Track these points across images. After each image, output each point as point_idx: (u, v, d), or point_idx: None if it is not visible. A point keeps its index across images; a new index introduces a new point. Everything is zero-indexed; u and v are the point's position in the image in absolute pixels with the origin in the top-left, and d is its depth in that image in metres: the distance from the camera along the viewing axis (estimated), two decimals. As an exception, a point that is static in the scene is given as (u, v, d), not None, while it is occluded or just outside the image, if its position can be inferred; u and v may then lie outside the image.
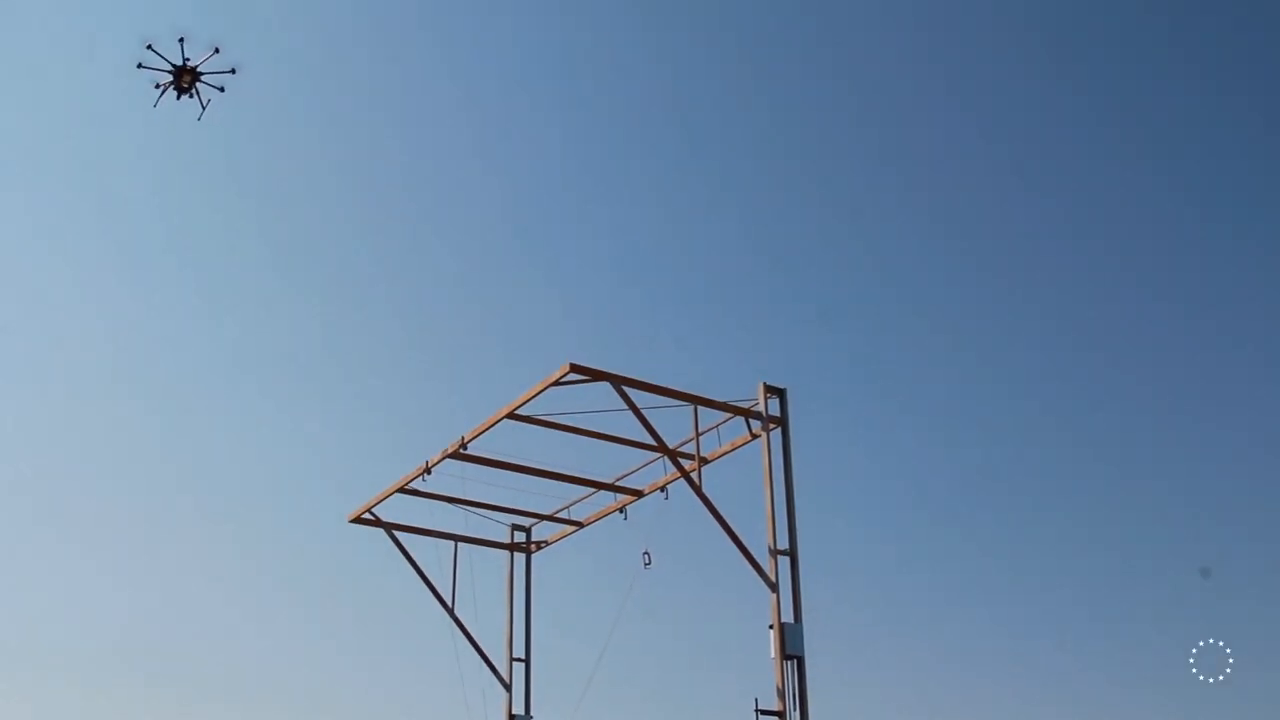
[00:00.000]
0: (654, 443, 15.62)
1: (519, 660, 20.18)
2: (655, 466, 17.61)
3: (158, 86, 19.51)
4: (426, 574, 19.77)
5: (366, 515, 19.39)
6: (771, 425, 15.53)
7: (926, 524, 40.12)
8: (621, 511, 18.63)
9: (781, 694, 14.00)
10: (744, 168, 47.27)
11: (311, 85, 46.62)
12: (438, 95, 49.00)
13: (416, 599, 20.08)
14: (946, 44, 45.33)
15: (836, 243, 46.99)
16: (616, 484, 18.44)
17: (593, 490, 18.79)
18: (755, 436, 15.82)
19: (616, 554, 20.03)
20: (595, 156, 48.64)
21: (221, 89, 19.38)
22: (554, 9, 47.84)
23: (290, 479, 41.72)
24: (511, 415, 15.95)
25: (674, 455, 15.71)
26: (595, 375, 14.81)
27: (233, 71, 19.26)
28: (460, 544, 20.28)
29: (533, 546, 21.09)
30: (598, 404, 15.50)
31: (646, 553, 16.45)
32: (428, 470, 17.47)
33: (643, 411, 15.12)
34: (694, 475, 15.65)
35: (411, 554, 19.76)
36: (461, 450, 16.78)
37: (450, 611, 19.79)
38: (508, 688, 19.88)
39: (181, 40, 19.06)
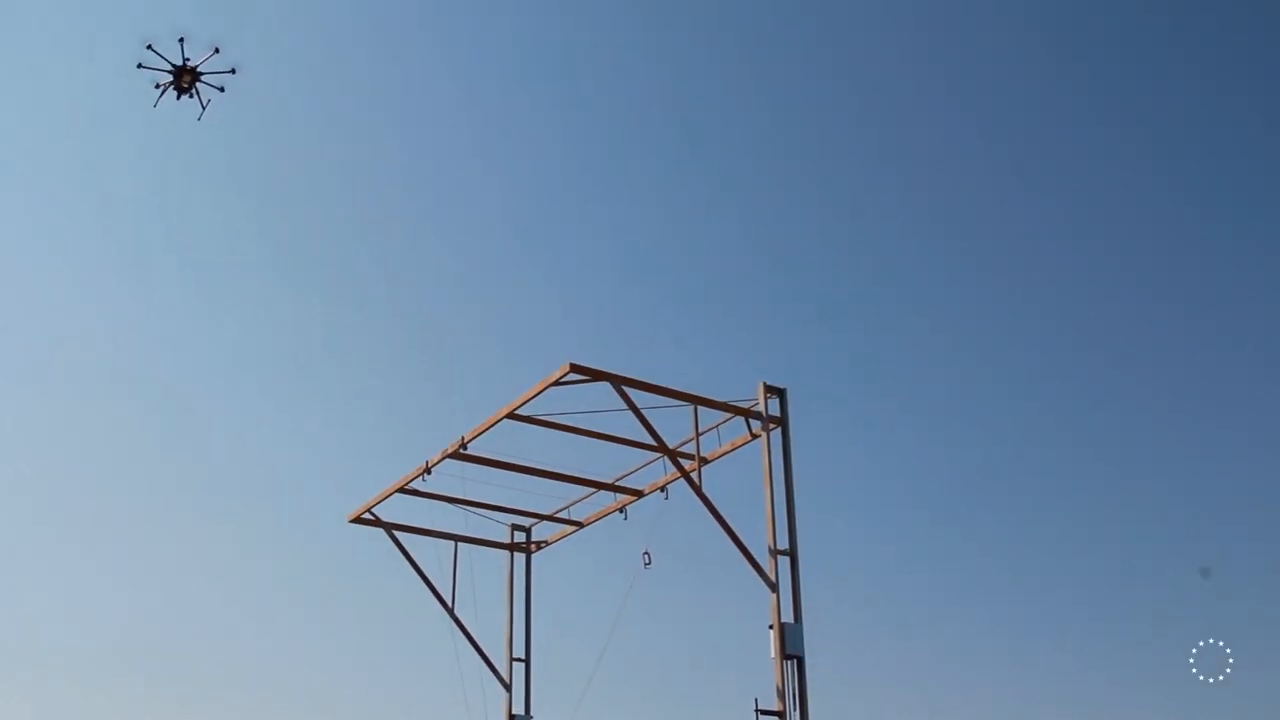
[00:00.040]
0: (654, 443, 15.62)
1: (519, 660, 20.18)
2: (655, 466, 17.62)
3: (158, 86, 19.51)
4: (426, 574, 19.79)
5: (366, 515, 19.39)
6: (771, 425, 15.53)
7: (926, 524, 40.16)
8: (621, 511, 18.63)
9: (781, 694, 14.00)
10: (744, 168, 47.32)
11: (311, 85, 46.67)
12: (438, 95, 49.05)
13: (416, 599, 20.12)
14: (946, 44, 45.36)
15: (836, 243, 47.03)
16: (616, 484, 18.44)
17: (593, 490, 18.80)
18: (755, 436, 15.82)
19: (616, 554, 20.06)
20: (595, 156, 48.68)
21: (221, 89, 19.39)
22: (554, 9, 47.88)
23: (290, 479, 41.77)
24: (511, 415, 15.95)
25: (674, 455, 15.71)
26: (595, 375, 14.81)
27: (233, 72, 19.27)
28: (460, 544, 20.28)
29: (533, 546, 21.09)
30: (598, 404, 15.53)
31: (646, 553, 16.47)
32: (428, 470, 17.47)
33: (643, 411, 15.13)
34: (694, 475, 15.65)
35: (411, 554, 19.78)
36: (461, 450, 16.78)
37: (450, 612, 19.79)
38: (508, 688, 19.89)
39: (182, 40, 19.06)
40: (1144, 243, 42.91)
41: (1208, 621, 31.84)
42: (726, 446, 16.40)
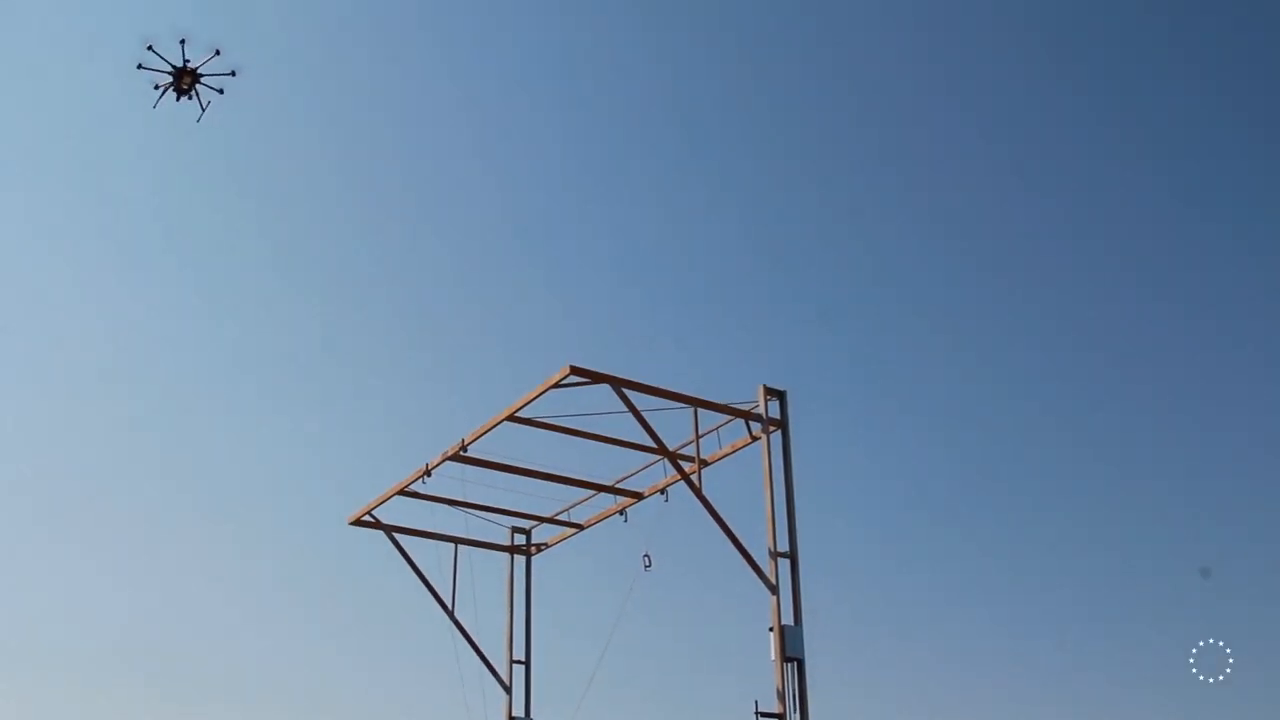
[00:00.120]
0: (654, 445, 15.62)
1: (519, 662, 20.17)
2: (655, 469, 17.62)
3: (157, 88, 19.50)
4: (426, 576, 19.78)
5: (366, 518, 19.39)
6: (771, 428, 15.53)
7: (926, 524, 40.15)
8: (622, 514, 18.62)
9: (781, 696, 14.00)
10: (744, 168, 47.31)
11: (311, 85, 46.66)
12: (438, 95, 49.03)
13: (417, 601, 20.10)
14: (946, 44, 45.35)
15: (836, 243, 47.03)
16: (616, 486, 18.44)
17: (593, 492, 18.79)
18: (755, 439, 15.82)
19: (616, 556, 20.06)
20: (595, 156, 48.67)
21: (221, 91, 19.37)
22: (554, 9, 47.87)
23: (290, 479, 41.77)
24: (512, 417, 15.94)
25: (674, 457, 15.71)
26: (595, 377, 14.81)
27: (232, 74, 19.25)
28: (460, 546, 20.27)
29: (533, 549, 21.08)
30: (598, 406, 15.53)
31: (646, 555, 16.45)
32: (428, 473, 17.47)
33: (643, 414, 15.12)
34: (694, 477, 15.64)
35: (411, 556, 19.77)
36: (461, 452, 16.78)
37: (450, 614, 19.79)
38: (508, 690, 19.88)
39: (183, 42, 19.04)
40: (1144, 243, 42.94)
41: (1208, 621, 31.87)
42: (727, 449, 16.40)
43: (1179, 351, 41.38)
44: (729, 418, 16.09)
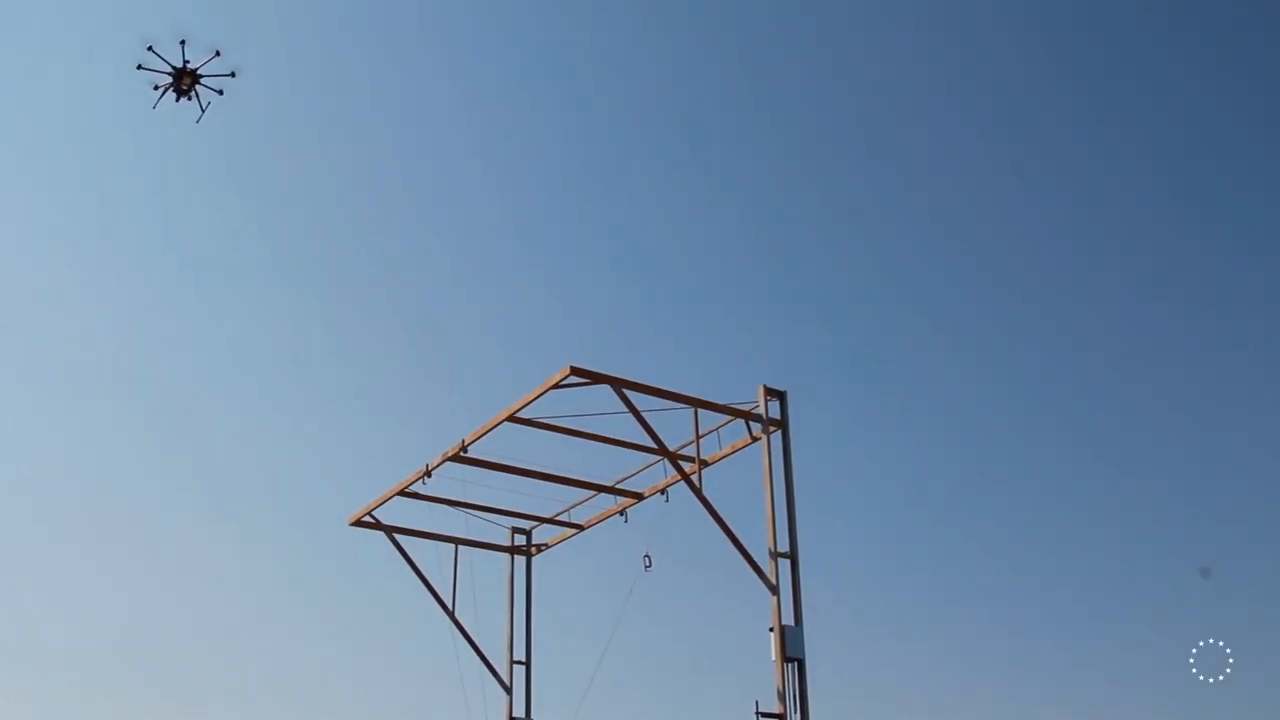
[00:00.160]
0: (654, 445, 15.62)
1: (519, 663, 20.17)
2: (656, 469, 17.62)
3: (157, 88, 19.52)
4: (427, 577, 19.78)
5: (366, 518, 19.39)
6: (772, 428, 15.53)
7: (926, 524, 40.16)
8: (622, 514, 18.62)
9: (782, 696, 14.00)
10: (744, 168, 47.29)
11: (311, 86, 46.66)
12: (438, 95, 49.04)
13: (417, 601, 20.10)
14: (946, 44, 45.35)
15: (836, 243, 47.03)
16: (617, 487, 18.44)
17: (593, 493, 18.79)
18: (755, 439, 15.82)
19: (617, 557, 20.05)
20: (595, 156, 48.67)
21: (220, 92, 19.38)
22: (554, 9, 47.87)
23: (290, 479, 41.78)
24: (512, 418, 15.94)
25: (674, 458, 15.71)
26: (595, 378, 14.81)
27: (232, 75, 19.27)
28: (461, 547, 20.27)
29: (533, 549, 21.08)
30: (598, 406, 15.52)
31: (647, 555, 16.46)
32: (428, 473, 17.46)
33: (643, 414, 15.12)
34: (694, 478, 15.64)
35: (412, 556, 19.78)
36: (462, 453, 16.78)
37: (451, 614, 19.79)
38: (508, 690, 19.88)
39: (183, 42, 19.07)
40: (1144, 243, 42.94)
41: (1208, 621, 31.87)
42: (727, 449, 16.40)
43: (1179, 351, 41.42)
44: (729, 418, 16.08)
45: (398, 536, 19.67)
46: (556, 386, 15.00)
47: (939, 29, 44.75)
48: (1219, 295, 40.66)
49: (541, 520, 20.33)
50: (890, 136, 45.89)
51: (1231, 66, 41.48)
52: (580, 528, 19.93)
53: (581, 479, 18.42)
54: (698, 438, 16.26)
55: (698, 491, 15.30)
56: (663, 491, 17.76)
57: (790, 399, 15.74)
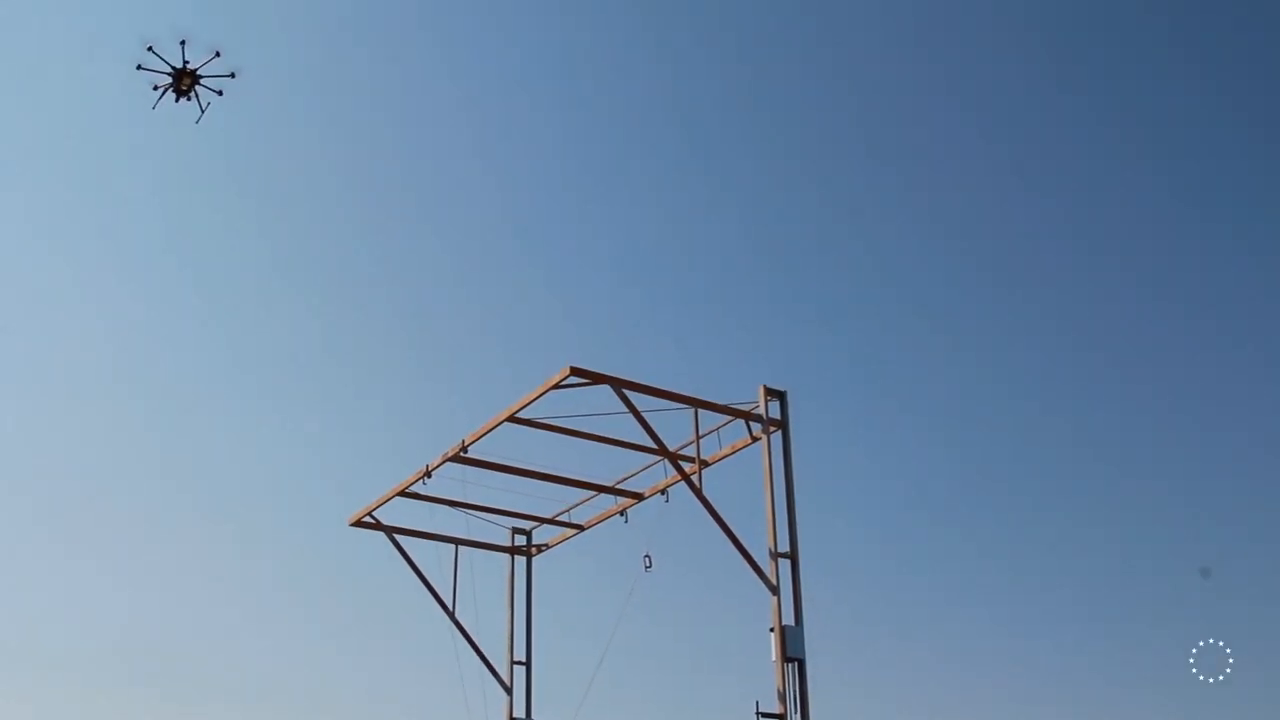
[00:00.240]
0: (654, 445, 15.62)
1: (520, 663, 20.16)
2: (656, 469, 17.61)
3: (157, 88, 19.51)
4: (427, 577, 19.77)
5: (367, 519, 19.39)
6: (772, 428, 15.53)
7: (926, 524, 40.18)
8: (622, 514, 18.62)
9: (782, 697, 14.00)
10: (744, 168, 47.31)
11: (311, 86, 46.65)
12: (438, 95, 49.05)
13: (417, 602, 20.09)
14: (946, 44, 45.36)
15: (836, 243, 47.04)
16: (617, 487, 18.44)
17: (593, 493, 18.79)
18: (756, 439, 15.82)
19: (617, 557, 20.05)
20: (595, 156, 48.68)
21: (220, 93, 19.38)
22: (554, 9, 47.88)
23: (290, 479, 41.78)
24: (512, 418, 15.94)
25: (674, 458, 15.71)
26: (596, 378, 14.80)
27: (232, 75, 19.28)
28: (461, 547, 20.27)
29: (533, 550, 21.08)
30: (598, 407, 15.52)
31: (647, 555, 16.45)
32: (428, 474, 17.46)
33: (643, 414, 15.11)
34: (694, 478, 15.64)
35: (412, 557, 19.77)
36: (462, 453, 16.78)
37: (451, 615, 19.79)
38: (508, 690, 19.87)
39: (183, 43, 19.07)
40: (1144, 243, 42.95)
41: (1208, 621, 31.88)
42: (727, 449, 16.39)
43: (1179, 351, 41.43)
44: (729, 418, 16.08)
45: (398, 537, 19.67)
46: (556, 387, 15.00)
47: (939, 29, 44.80)
48: (1219, 295, 40.72)
49: (541, 520, 20.33)
50: (890, 136, 45.95)
51: (1231, 66, 41.53)
52: (580, 528, 19.92)
53: (581, 479, 18.42)
54: (698, 438, 16.27)
55: (698, 492, 15.30)
56: (663, 492, 17.76)
57: (790, 399, 15.74)
